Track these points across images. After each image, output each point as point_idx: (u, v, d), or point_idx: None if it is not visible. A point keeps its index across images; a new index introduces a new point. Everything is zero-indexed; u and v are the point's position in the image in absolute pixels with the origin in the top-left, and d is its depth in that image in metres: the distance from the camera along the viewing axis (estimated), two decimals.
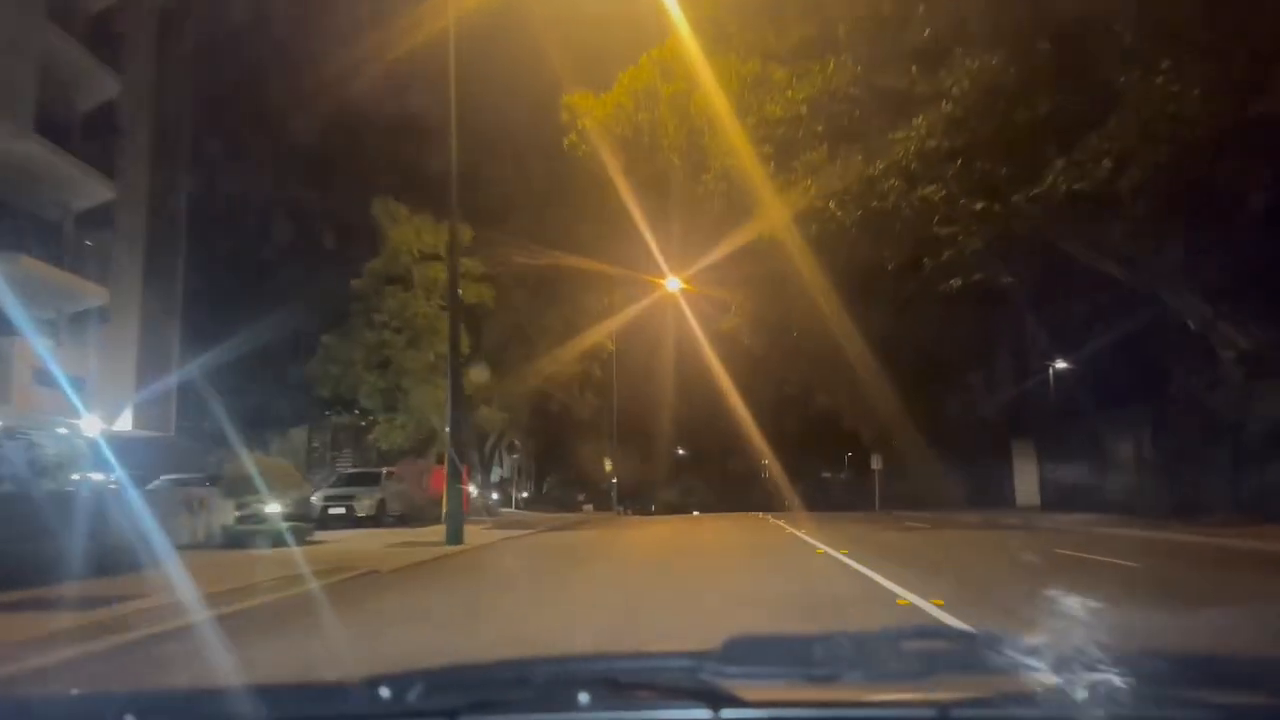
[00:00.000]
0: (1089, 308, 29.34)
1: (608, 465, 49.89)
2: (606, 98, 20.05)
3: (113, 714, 1.22)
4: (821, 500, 51.10)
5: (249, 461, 16.08)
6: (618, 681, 1.22)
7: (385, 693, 1.21)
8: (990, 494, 36.28)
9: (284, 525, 15.89)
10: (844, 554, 12.71)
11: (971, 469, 39.24)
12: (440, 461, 24.79)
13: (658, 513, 74.76)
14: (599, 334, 41.81)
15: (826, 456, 68.01)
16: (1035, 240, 23.52)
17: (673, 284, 43.66)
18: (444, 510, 23.92)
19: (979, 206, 17.69)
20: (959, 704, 1.15)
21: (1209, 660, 1.33)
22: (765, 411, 49.38)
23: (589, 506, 58.18)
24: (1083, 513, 25.91)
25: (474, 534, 19.44)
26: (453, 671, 1.32)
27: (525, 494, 58.51)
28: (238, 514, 16.83)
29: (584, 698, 1.17)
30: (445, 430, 23.63)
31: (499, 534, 20.09)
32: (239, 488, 16.36)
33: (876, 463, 43.80)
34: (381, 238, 22.21)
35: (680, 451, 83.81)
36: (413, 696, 1.20)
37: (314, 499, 23.37)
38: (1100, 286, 27.67)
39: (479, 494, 36.64)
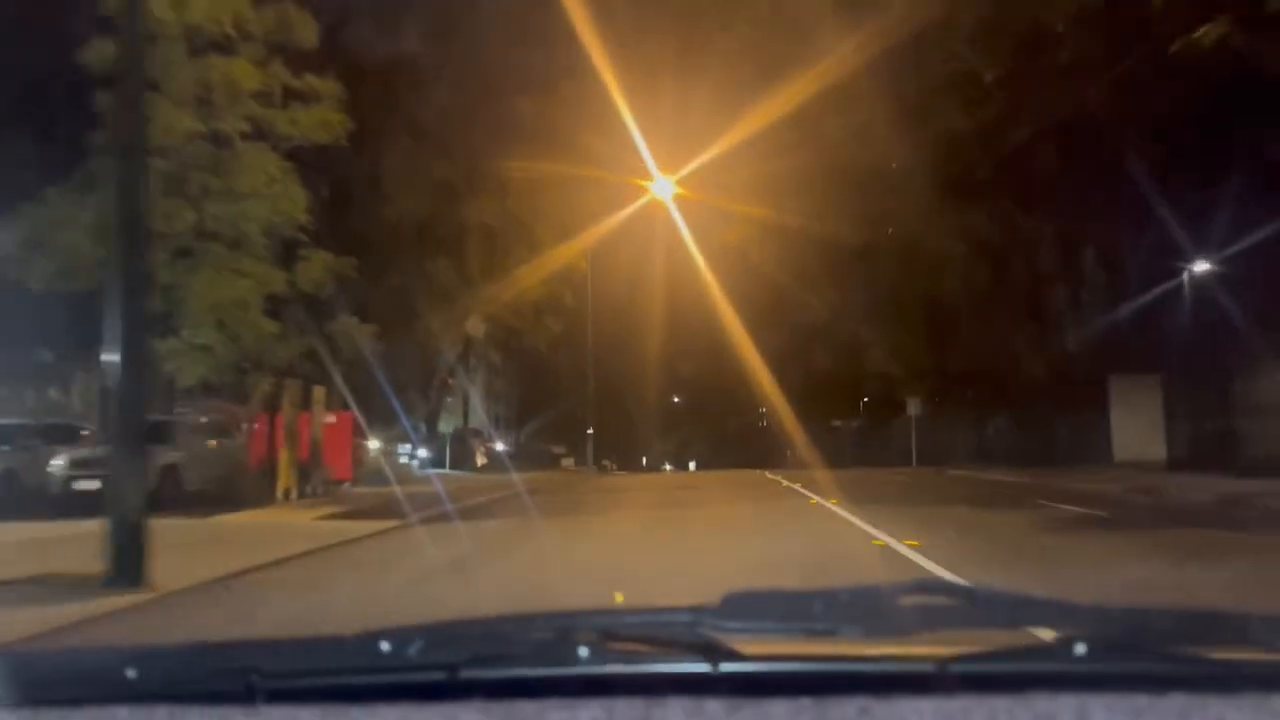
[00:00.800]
0: (1244, 185, 19.63)
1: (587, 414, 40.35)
2: None
3: (115, 668, 1.14)
4: (837, 454, 41.05)
5: None
6: (617, 635, 1.19)
7: (385, 646, 1.16)
8: (1073, 445, 26.78)
9: None
10: None
11: (1038, 414, 29.74)
12: (273, 408, 15.08)
13: (649, 468, 65.49)
14: (568, 249, 32.00)
15: (837, 401, 57.64)
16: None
17: (662, 187, 33.78)
18: (279, 484, 14.40)
19: None
20: (958, 658, 1.11)
21: (1207, 616, 1.20)
22: (772, 350, 39.76)
23: (569, 461, 49.03)
24: (1259, 476, 16.38)
25: (269, 531, 9.95)
26: (453, 626, 1.26)
27: (501, 446, 48.97)
28: None
29: (583, 651, 1.13)
30: (278, 352, 14.09)
31: (321, 533, 10.50)
32: None
33: (914, 408, 34.17)
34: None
35: (675, 399, 74.51)
36: (413, 650, 1.16)
37: (53, 466, 13.81)
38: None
39: (402, 452, 27.07)
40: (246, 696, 1.10)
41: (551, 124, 28.75)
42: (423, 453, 26.64)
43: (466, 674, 1.12)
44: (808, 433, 43.61)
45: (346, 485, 17.97)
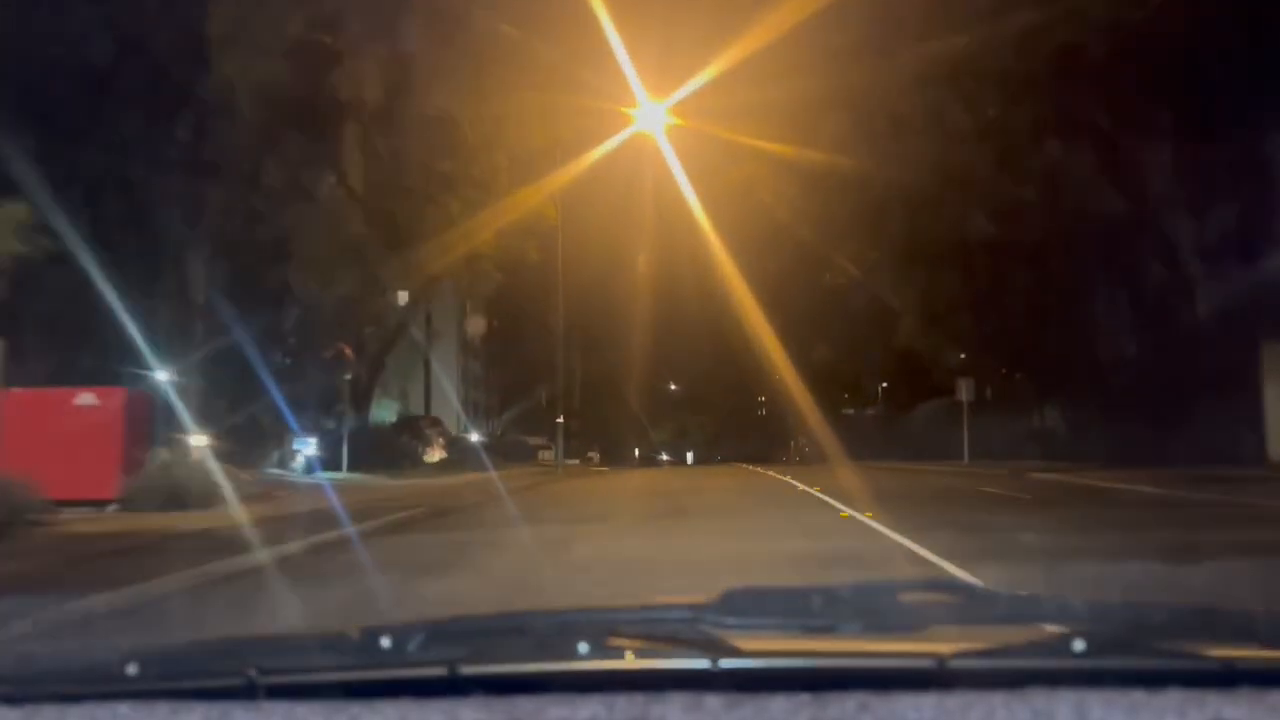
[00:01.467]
0: None
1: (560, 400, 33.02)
2: None
3: (117, 664, 1.13)
4: (851, 446, 33.24)
5: None
6: (617, 632, 1.19)
7: (386, 643, 1.15)
8: (1191, 436, 19.37)
9: None
10: None
11: (1139, 397, 22.31)
12: None
13: (642, 460, 57.93)
14: (532, 193, 24.56)
15: (849, 386, 49.78)
16: None
17: (651, 115, 26.14)
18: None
19: None
20: (957, 655, 1.07)
21: (1205, 612, 1.24)
22: (782, 323, 32.38)
23: (548, 454, 41.74)
24: None
25: None
26: (453, 623, 1.29)
27: (475, 437, 41.50)
28: None
29: (583, 647, 1.12)
30: None
31: None
32: None
33: (966, 391, 26.69)
34: None
35: (672, 386, 67.03)
36: (413, 647, 1.15)
37: None
38: None
39: (298, 448, 19.61)
40: (247, 692, 1.07)
41: (500, 28, 21.29)
42: (310, 450, 19.14)
43: (466, 670, 1.10)
44: (818, 421, 36.33)
45: (113, 509, 10.53)
